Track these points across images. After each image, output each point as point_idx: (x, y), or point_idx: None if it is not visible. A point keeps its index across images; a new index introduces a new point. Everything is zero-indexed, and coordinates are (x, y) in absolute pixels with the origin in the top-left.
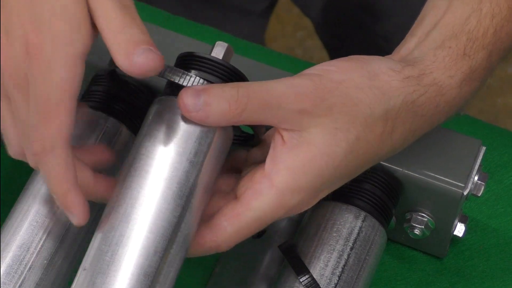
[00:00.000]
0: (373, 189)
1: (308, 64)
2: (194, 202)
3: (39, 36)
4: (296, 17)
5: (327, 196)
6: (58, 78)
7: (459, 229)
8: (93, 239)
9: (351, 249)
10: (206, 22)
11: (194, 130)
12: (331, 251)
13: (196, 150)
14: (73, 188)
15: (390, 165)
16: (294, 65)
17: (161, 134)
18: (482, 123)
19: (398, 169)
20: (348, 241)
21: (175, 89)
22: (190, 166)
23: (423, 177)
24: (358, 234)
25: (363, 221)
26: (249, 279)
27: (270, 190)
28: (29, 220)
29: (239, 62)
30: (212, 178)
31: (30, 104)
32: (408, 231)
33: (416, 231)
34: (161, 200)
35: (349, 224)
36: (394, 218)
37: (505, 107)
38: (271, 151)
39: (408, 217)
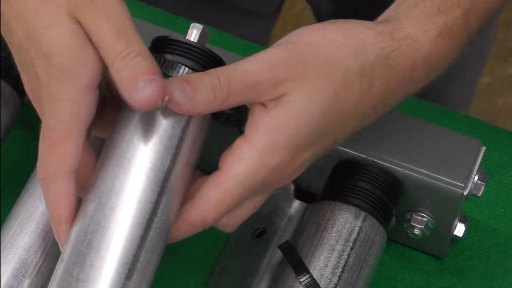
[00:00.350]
0: (373, 189)
1: None
2: (170, 188)
3: (43, 69)
4: (296, 17)
5: (327, 196)
6: (63, 111)
7: (459, 229)
8: (71, 230)
9: (351, 249)
10: (209, 23)
11: (167, 115)
12: (331, 251)
13: (169, 135)
14: (66, 220)
15: (390, 165)
16: None
17: (133, 121)
18: (482, 123)
19: (398, 169)
20: (348, 241)
21: None
22: (164, 151)
23: (423, 177)
24: (358, 234)
25: (363, 221)
26: (249, 279)
27: (250, 152)
28: (36, 222)
29: None
30: (190, 163)
31: (41, 130)
32: (408, 231)
33: (416, 231)
34: (136, 187)
35: (349, 224)
36: (394, 218)
37: (505, 107)
38: (250, 117)
39: (408, 217)
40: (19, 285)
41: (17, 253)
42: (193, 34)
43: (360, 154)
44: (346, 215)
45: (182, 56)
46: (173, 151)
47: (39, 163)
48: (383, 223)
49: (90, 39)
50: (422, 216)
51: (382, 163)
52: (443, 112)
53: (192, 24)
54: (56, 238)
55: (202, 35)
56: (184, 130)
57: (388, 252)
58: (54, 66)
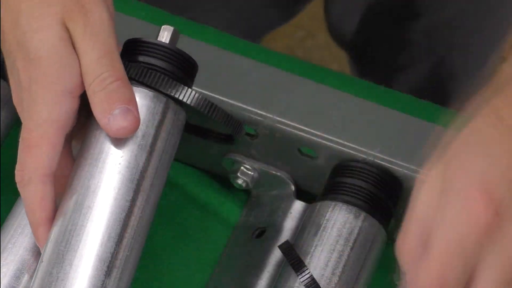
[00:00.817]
0: (373, 189)
1: (308, 64)
2: (146, 185)
3: (27, 73)
4: (296, 17)
5: (327, 196)
6: (41, 114)
7: None
8: (50, 231)
9: (351, 249)
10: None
11: (141, 114)
12: (331, 251)
13: (143, 133)
14: (44, 222)
15: (390, 165)
16: (294, 65)
17: None
18: None
19: (398, 169)
20: (348, 241)
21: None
22: (138, 149)
23: (423, 177)
24: (358, 234)
25: (363, 221)
26: (249, 279)
27: None
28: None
29: (239, 62)
30: (165, 161)
31: (20, 133)
32: None
33: None
34: (112, 185)
35: (349, 224)
36: (394, 218)
37: None
38: None
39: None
40: (20, 285)
41: (18, 254)
42: (165, 36)
43: (360, 154)
44: (346, 215)
45: (154, 57)
46: (148, 149)
47: (17, 165)
48: (383, 223)
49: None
50: None
51: (382, 163)
52: (443, 112)
53: (163, 26)
54: (35, 240)
55: (173, 37)
56: (158, 129)
57: (388, 252)
58: (38, 70)
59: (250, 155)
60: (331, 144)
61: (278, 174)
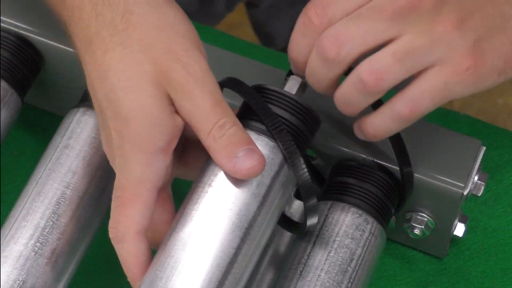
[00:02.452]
0: (372, 189)
1: None
2: (253, 235)
3: (118, 131)
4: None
5: (327, 196)
6: (134, 173)
7: (459, 229)
8: (151, 263)
9: (352, 249)
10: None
11: None
12: (332, 250)
13: (258, 182)
14: (139, 278)
15: (390, 165)
16: None
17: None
18: (482, 123)
19: (397, 167)
20: (349, 241)
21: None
22: (251, 198)
23: (423, 177)
24: (359, 234)
25: (363, 221)
26: (249, 279)
27: None
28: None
29: (240, 63)
30: (274, 213)
31: (113, 189)
32: (408, 231)
33: (416, 231)
34: (220, 230)
35: (349, 223)
36: (394, 218)
37: (505, 107)
38: None
39: (408, 217)
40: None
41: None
42: (293, 87)
43: (360, 154)
44: (346, 215)
45: (284, 110)
46: (260, 199)
47: (110, 222)
48: (383, 223)
49: (175, 105)
50: (422, 216)
51: (382, 163)
52: (443, 112)
53: (291, 76)
54: None
55: (300, 89)
56: (273, 180)
57: (388, 252)
58: (130, 129)
59: None
60: (331, 144)
61: None
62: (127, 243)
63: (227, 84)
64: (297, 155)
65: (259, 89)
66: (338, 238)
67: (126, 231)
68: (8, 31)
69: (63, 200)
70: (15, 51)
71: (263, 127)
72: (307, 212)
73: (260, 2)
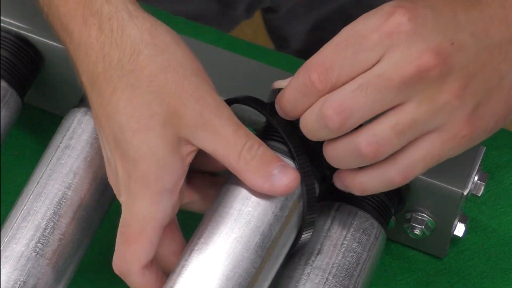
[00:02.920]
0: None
1: None
2: (273, 256)
3: (125, 170)
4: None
5: (327, 196)
6: (140, 211)
7: (459, 229)
8: (171, 274)
9: (353, 248)
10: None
11: None
12: (336, 250)
13: (282, 204)
14: None
15: None
16: (295, 66)
17: (243, 188)
18: None
19: None
20: (351, 241)
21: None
22: (274, 219)
23: (423, 177)
24: (360, 234)
25: (364, 221)
26: None
27: None
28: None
29: (240, 62)
30: (292, 233)
31: (119, 224)
32: (408, 231)
33: (416, 231)
34: (243, 248)
35: (350, 223)
36: (394, 218)
37: None
38: None
39: (408, 217)
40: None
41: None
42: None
43: None
44: (353, 219)
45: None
46: (282, 221)
47: (115, 257)
48: (383, 223)
49: (192, 141)
50: (422, 216)
51: None
52: None
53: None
54: None
55: None
56: (295, 203)
57: (388, 252)
58: (137, 170)
59: None
60: None
61: None
62: (133, 277)
63: (246, 101)
64: (312, 178)
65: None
66: (346, 242)
67: (130, 267)
68: (8, 31)
69: (64, 200)
70: (15, 51)
71: (283, 147)
72: (305, 225)
73: (278, 8)
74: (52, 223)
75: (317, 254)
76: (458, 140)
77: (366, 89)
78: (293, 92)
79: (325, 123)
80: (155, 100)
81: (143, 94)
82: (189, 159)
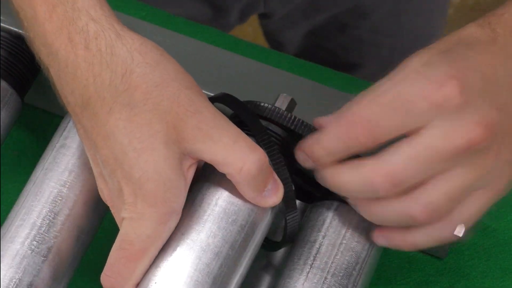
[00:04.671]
0: None
1: (312, 65)
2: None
3: (131, 190)
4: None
5: (327, 195)
6: (146, 231)
7: (459, 229)
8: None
9: (354, 249)
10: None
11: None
12: (334, 250)
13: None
14: None
15: None
16: (295, 65)
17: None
18: None
19: None
20: (351, 241)
21: None
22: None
23: None
24: (361, 234)
25: (365, 221)
26: (249, 279)
27: None
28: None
29: (240, 62)
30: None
31: (117, 239)
32: None
33: None
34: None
35: (351, 223)
36: None
37: None
38: None
39: None
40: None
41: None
42: (281, 102)
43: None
44: (352, 217)
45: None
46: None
47: (107, 269)
48: None
49: (193, 153)
50: None
51: None
52: None
53: (280, 94)
54: None
55: (290, 105)
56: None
57: (388, 252)
58: (145, 191)
59: None
60: None
61: None
62: None
63: (221, 99)
64: (282, 165)
65: (253, 105)
66: (344, 241)
67: (124, 283)
68: (8, 31)
69: (60, 198)
70: (15, 51)
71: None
72: (288, 221)
73: (273, 14)
74: (48, 221)
75: (316, 254)
76: (502, 193)
77: (416, 160)
78: (332, 141)
79: (373, 188)
80: (154, 118)
81: (142, 113)
82: (191, 173)
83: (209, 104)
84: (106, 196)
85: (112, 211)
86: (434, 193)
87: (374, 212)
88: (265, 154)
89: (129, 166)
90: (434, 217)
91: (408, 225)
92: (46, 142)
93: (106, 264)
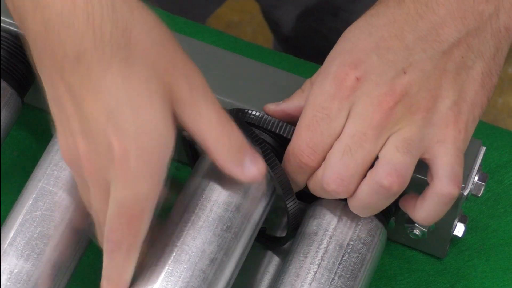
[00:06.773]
0: None
1: (313, 66)
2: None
3: (124, 149)
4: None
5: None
6: (144, 190)
7: (459, 229)
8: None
9: (353, 248)
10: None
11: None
12: (334, 250)
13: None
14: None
15: None
16: (294, 65)
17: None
18: (482, 123)
19: None
20: (351, 241)
21: None
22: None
23: (423, 177)
24: (362, 234)
25: (366, 221)
26: (249, 279)
27: None
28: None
29: (239, 62)
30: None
31: (110, 205)
32: (408, 231)
33: (416, 231)
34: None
35: (351, 223)
36: (393, 218)
37: (505, 107)
38: None
39: (408, 217)
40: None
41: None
42: None
43: None
44: (359, 219)
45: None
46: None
47: (111, 234)
48: (385, 223)
49: (180, 117)
50: None
51: None
52: None
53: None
54: None
55: None
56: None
57: (388, 252)
58: (138, 146)
59: None
60: None
61: None
62: (129, 255)
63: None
64: (275, 161)
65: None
66: (351, 243)
67: (132, 245)
68: (8, 31)
69: (60, 200)
70: (15, 51)
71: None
72: (291, 212)
73: None
74: (47, 221)
75: (324, 254)
76: (463, 136)
77: (350, 151)
78: (291, 175)
79: (332, 195)
80: (153, 77)
81: (141, 71)
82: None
83: (199, 72)
84: (82, 155)
85: (89, 173)
86: (388, 154)
87: (352, 204)
88: (239, 130)
89: (124, 121)
90: (403, 176)
91: (388, 197)
92: (46, 142)
93: (106, 232)
